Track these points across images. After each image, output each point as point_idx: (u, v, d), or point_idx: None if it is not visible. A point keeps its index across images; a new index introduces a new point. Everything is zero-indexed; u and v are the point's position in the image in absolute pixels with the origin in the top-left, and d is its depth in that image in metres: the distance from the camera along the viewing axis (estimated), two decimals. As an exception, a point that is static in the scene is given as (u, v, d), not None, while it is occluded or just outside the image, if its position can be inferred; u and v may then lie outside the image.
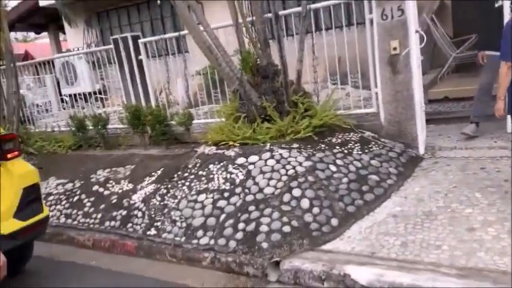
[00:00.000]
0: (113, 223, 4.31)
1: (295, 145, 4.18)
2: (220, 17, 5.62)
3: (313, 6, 4.61)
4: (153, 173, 4.84)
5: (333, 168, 3.96)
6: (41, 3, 10.42)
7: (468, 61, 6.38)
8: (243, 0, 5.95)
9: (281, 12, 4.63)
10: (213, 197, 3.86)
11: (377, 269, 2.72)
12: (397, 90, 4.40)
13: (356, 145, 4.36)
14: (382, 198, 3.73)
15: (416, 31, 3.96)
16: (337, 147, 4.27)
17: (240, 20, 4.63)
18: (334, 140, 4.41)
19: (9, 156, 3.09)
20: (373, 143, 4.45)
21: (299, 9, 4.61)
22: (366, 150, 4.29)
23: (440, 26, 6.98)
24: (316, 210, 3.54)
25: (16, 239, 2.97)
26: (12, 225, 2.96)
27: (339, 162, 4.04)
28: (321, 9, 4.89)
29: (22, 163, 3.31)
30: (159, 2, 8.67)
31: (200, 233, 3.66)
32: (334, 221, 3.46)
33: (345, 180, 3.85)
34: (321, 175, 3.86)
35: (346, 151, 4.22)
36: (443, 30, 6.91)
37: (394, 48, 4.27)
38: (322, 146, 4.25)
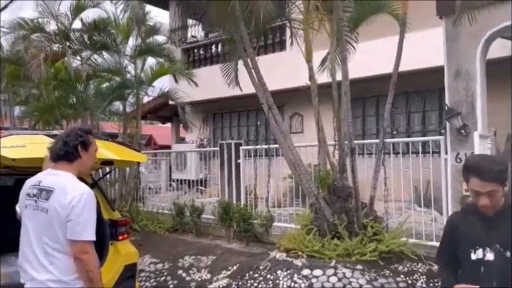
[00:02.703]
0: (187, 307, 4.87)
1: (359, 266, 4.46)
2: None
3: (389, 140, 5.14)
4: (229, 267, 5.40)
5: (393, 296, 4.13)
6: (170, 102, 12.46)
7: None
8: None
9: (357, 142, 5.21)
10: (274, 302, 4.25)
11: None
12: (467, 229, 4.52)
13: (422, 277, 4.47)
14: (436, 337, 3.76)
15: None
16: (402, 276, 4.44)
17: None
18: (400, 268, 4.58)
19: (120, 238, 3.93)
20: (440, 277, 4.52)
21: (376, 141, 5.15)
22: (431, 284, 4.38)
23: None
24: (368, 335, 3.71)
25: (109, 308, 3.64)
26: (110, 295, 3.66)
27: (400, 291, 4.20)
28: (400, 143, 5.37)
29: (128, 244, 4.12)
30: (258, 123, 9.96)
31: (257, 333, 4.02)
32: None
33: (402, 310, 3.99)
34: (379, 301, 4.05)
35: (410, 281, 4.37)
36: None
37: (466, 190, 4.50)
38: (387, 272, 4.46)
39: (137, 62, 8.47)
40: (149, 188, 10.62)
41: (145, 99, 11.48)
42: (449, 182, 4.70)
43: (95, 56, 8.35)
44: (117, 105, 9.16)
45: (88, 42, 8.00)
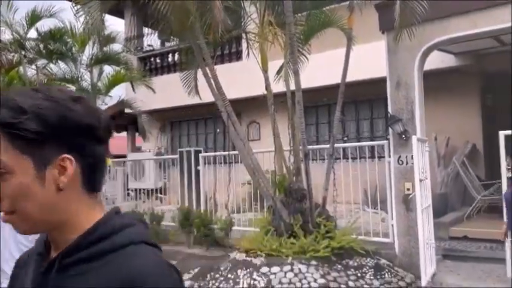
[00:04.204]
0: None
1: (313, 262, 4.80)
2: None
3: (338, 145, 5.56)
4: (191, 271, 5.58)
5: (344, 288, 4.49)
6: (126, 110, 12.43)
7: (499, 204, 6.78)
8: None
9: (311, 147, 5.59)
10: (235, 299, 4.49)
11: None
12: (410, 225, 4.99)
13: (370, 270, 4.87)
14: (383, 323, 4.15)
15: (420, 179, 4.68)
16: (352, 269, 4.81)
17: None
18: (351, 262, 4.96)
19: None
20: (386, 270, 4.94)
21: (327, 146, 5.56)
22: (378, 277, 4.78)
23: (472, 168, 7.57)
24: (322, 324, 4.03)
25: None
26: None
27: (350, 283, 4.57)
28: (349, 148, 5.80)
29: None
30: (218, 130, 10.25)
31: (220, 329, 4.24)
32: (336, 337, 3.92)
33: (353, 300, 4.35)
34: (331, 293, 4.40)
35: (359, 274, 4.75)
36: (474, 173, 7.48)
37: (408, 189, 4.98)
38: (339, 266, 4.82)
39: (94, 70, 8.48)
40: (106, 198, 10.52)
41: (102, 108, 11.37)
42: (393, 183, 5.16)
43: (51, 64, 8.28)
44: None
45: (44, 51, 7.94)
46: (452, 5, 4.76)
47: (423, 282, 4.65)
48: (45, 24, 7.89)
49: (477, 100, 8.45)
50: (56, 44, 7.87)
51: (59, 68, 8.33)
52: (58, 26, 7.90)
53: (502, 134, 4.74)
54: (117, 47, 9.21)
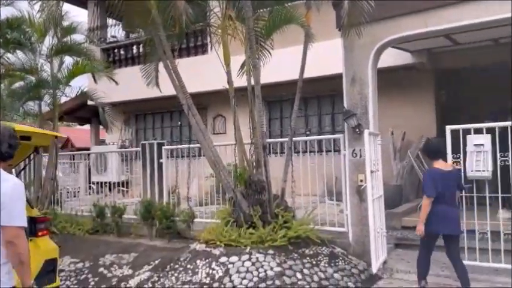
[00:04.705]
0: (109, 302, 5.01)
1: (271, 251, 4.95)
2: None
3: (296, 139, 5.73)
4: (151, 262, 5.62)
5: (299, 276, 4.66)
6: (89, 102, 12.20)
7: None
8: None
9: (272, 140, 5.73)
10: (193, 288, 4.58)
11: None
12: (362, 215, 5.22)
13: (325, 258, 5.07)
14: (334, 307, 4.35)
15: (372, 171, 4.90)
16: (308, 258, 5.00)
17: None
18: (307, 251, 5.15)
19: (39, 234, 4.02)
20: (340, 258, 5.16)
21: (286, 139, 5.71)
22: (332, 264, 4.99)
23: (426, 161, 7.93)
24: (277, 310, 4.18)
25: (30, 301, 3.72)
26: (30, 289, 3.74)
27: (305, 271, 4.75)
28: (308, 141, 5.97)
29: (48, 240, 4.22)
30: (179, 123, 10.25)
31: (178, 318, 4.32)
32: (290, 322, 4.08)
33: (307, 287, 4.53)
34: (287, 280, 4.57)
35: (314, 262, 4.94)
36: (427, 166, 7.84)
37: (361, 180, 5.20)
38: (295, 255, 4.99)
39: (54, 61, 8.29)
40: (67, 192, 10.34)
41: (63, 100, 11.14)
42: (348, 175, 5.37)
43: (8, 54, 8.03)
44: (32, 105, 8.85)
45: (0, 40, 7.70)
46: (404, 5, 4.99)
47: (374, 269, 4.90)
48: (2, 13, 7.60)
49: (432, 96, 8.86)
50: (13, 33, 7.64)
51: (17, 57, 8.10)
52: (15, 15, 7.67)
53: (448, 128, 5.02)
54: (79, 37, 9.01)
